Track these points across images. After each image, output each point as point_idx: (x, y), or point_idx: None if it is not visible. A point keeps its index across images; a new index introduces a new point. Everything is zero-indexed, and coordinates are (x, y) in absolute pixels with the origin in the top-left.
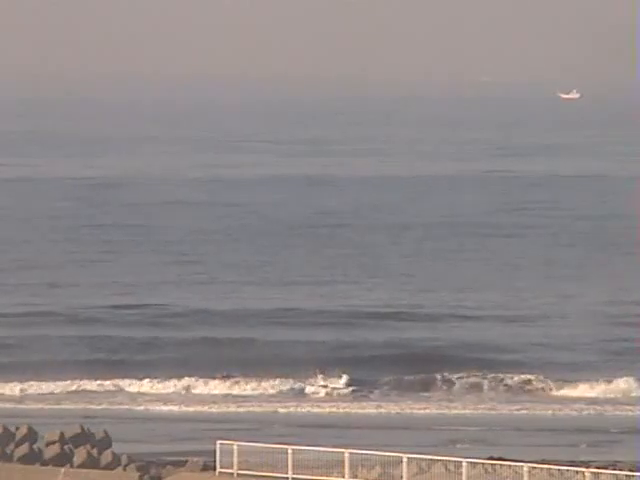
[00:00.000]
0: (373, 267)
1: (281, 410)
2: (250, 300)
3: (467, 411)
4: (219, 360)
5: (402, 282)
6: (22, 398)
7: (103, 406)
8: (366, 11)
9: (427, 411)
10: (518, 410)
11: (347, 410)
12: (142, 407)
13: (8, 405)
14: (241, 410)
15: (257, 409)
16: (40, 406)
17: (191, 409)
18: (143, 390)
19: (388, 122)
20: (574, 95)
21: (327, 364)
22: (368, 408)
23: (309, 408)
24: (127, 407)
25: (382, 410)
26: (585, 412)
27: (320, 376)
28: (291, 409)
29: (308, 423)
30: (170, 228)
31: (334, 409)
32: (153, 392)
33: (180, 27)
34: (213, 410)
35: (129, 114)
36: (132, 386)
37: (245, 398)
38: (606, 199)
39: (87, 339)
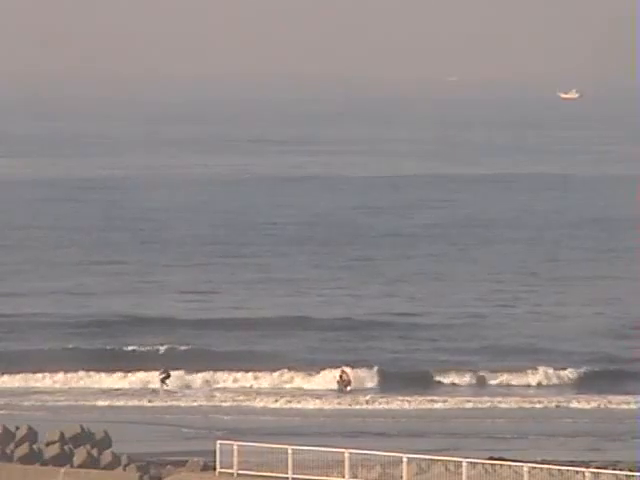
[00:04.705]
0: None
1: None
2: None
3: None
4: None
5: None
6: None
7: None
8: (350, 11)
9: None
10: None
11: None
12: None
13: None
14: None
15: None
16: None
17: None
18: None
19: (381, 122)
20: (573, 95)
21: None
22: None
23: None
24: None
25: None
26: None
27: None
28: None
29: None
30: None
31: None
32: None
33: (180, 27)
34: None
35: (128, 114)
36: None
37: None
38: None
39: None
